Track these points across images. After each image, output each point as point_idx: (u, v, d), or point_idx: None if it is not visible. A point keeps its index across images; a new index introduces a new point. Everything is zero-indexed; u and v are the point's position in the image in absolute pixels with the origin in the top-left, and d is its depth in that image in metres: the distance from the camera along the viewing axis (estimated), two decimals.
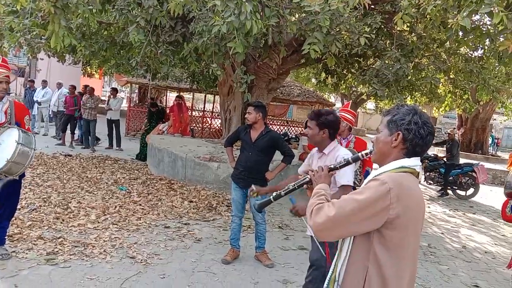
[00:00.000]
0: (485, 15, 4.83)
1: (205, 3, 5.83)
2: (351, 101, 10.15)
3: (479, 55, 9.35)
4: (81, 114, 11.58)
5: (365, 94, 24.29)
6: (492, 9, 4.27)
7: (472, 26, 5.53)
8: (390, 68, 6.95)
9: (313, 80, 19.39)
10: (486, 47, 8.10)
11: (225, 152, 6.56)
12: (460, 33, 6.09)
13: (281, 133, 15.59)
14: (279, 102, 19.64)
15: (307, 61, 9.17)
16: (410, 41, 7.74)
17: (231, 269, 4.56)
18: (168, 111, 12.66)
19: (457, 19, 4.50)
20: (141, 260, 4.47)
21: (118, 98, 12.55)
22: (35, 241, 4.59)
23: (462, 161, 11.82)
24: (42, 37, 6.40)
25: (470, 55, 9.59)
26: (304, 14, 5.94)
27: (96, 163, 9.28)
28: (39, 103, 13.33)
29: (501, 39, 5.28)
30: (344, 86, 12.79)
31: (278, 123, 19.20)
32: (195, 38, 6.33)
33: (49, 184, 6.99)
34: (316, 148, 3.48)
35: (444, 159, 11.27)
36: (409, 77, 7.90)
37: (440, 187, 11.17)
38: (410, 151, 1.81)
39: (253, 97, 8.62)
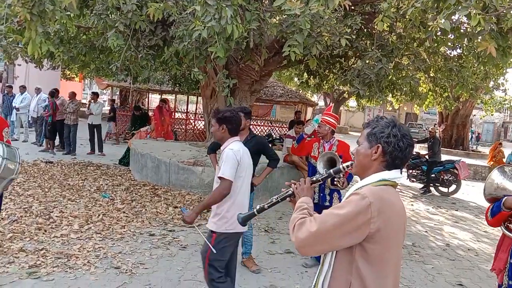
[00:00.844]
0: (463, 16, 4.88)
1: (185, 7, 5.77)
2: (333, 104, 10.23)
3: (458, 54, 9.49)
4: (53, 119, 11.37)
5: (346, 92, 24.45)
6: (470, 10, 4.32)
7: (452, 26, 5.59)
8: (372, 68, 6.99)
9: (296, 79, 19.49)
10: (464, 46, 8.22)
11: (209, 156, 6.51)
12: (439, 33, 6.16)
13: (265, 134, 15.58)
14: (262, 102, 19.67)
15: (289, 62, 9.16)
16: (390, 41, 7.81)
17: None
18: (151, 115, 12.55)
19: (437, 22, 4.53)
20: (126, 270, 4.41)
21: (99, 102, 12.39)
22: (16, 254, 4.49)
23: (443, 157, 11.98)
24: (19, 42, 6.25)
25: (449, 54, 9.73)
26: (285, 16, 5.93)
27: (78, 170, 9.14)
28: (18, 109, 13.08)
29: (479, 39, 5.35)
30: (327, 86, 12.85)
31: (262, 124, 19.22)
32: (175, 42, 6.25)
33: (30, 193, 6.86)
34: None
35: (426, 156, 11.41)
36: (390, 77, 7.97)
37: (423, 185, 11.33)
38: (390, 164, 1.81)
39: (236, 100, 8.58)
